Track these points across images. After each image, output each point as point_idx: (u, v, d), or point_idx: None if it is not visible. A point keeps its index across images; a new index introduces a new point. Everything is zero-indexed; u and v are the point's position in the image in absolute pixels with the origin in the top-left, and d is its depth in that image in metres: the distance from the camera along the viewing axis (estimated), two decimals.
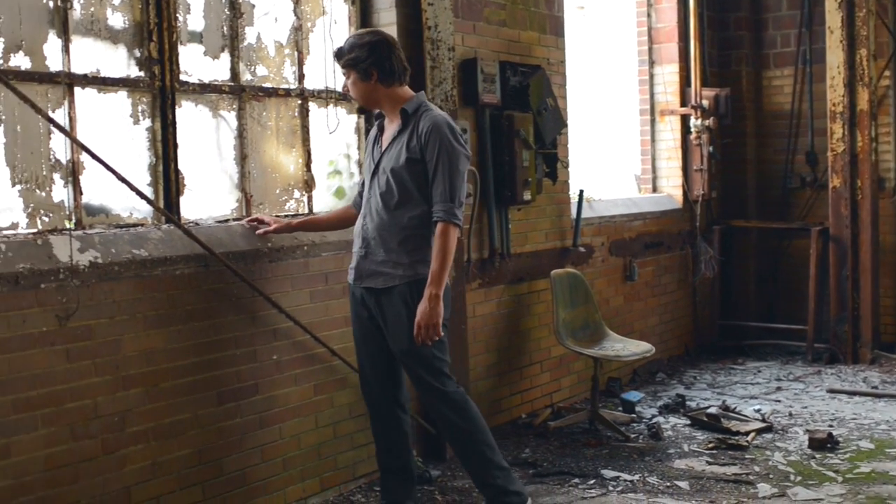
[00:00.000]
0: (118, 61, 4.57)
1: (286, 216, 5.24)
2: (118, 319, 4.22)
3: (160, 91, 4.68)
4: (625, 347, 6.60)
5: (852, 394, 7.36)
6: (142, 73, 4.64)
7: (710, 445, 6.06)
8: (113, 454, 4.21)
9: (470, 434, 4.58)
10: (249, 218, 4.89)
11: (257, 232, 4.80)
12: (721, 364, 8.56)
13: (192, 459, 4.53)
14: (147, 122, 4.66)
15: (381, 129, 4.65)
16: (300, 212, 5.41)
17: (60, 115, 4.29)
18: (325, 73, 5.51)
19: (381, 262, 4.52)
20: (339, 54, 4.54)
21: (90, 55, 4.45)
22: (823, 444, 5.96)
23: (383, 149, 4.57)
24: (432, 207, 4.43)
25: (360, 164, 5.71)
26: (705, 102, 8.61)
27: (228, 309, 4.71)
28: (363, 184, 4.73)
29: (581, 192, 7.21)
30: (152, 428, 4.36)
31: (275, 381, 4.93)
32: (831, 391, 7.46)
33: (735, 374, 8.16)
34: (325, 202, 5.60)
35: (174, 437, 4.45)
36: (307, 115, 5.42)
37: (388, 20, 5.64)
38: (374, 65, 4.46)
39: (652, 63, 8.82)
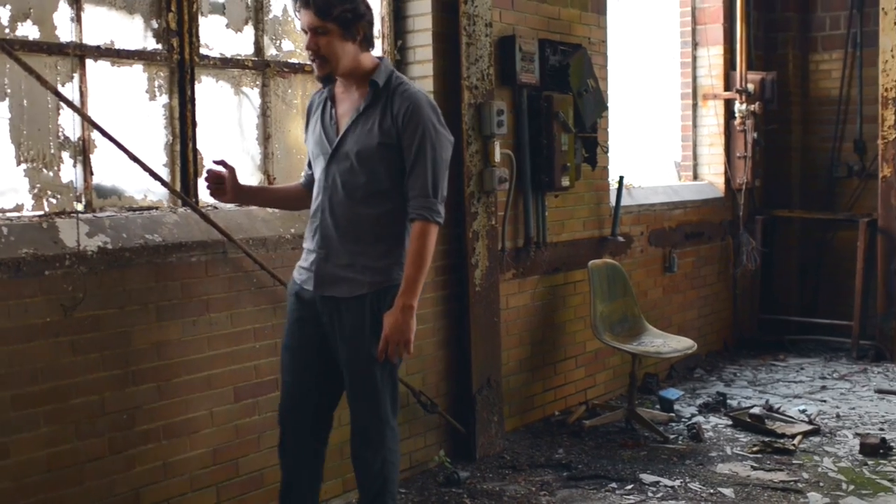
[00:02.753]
0: (134, 32, 4.29)
1: None
2: (128, 310, 3.94)
3: (178, 65, 4.38)
4: (665, 343, 6.27)
5: None
6: (159, 46, 4.35)
7: (755, 449, 5.73)
8: (121, 454, 3.95)
9: (393, 480, 3.82)
10: (216, 160, 3.93)
11: (208, 189, 3.90)
12: (762, 360, 8.20)
13: (205, 459, 4.26)
14: (164, 99, 4.38)
15: (332, 100, 3.79)
16: None
17: (70, 90, 4.01)
18: None
19: (346, 265, 3.70)
20: (323, 4, 3.57)
21: (103, 25, 4.16)
22: (876, 449, 5.62)
23: (343, 126, 3.71)
24: (408, 202, 3.67)
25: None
26: (750, 86, 8.24)
27: (247, 299, 4.42)
28: (309, 163, 3.95)
29: (621, 178, 6.87)
30: (163, 426, 4.10)
31: None
32: (879, 391, 7.10)
33: (777, 372, 7.81)
34: None
35: (187, 435, 4.18)
36: None
37: None
38: (367, 22, 3.70)
39: (695, 45, 8.44)
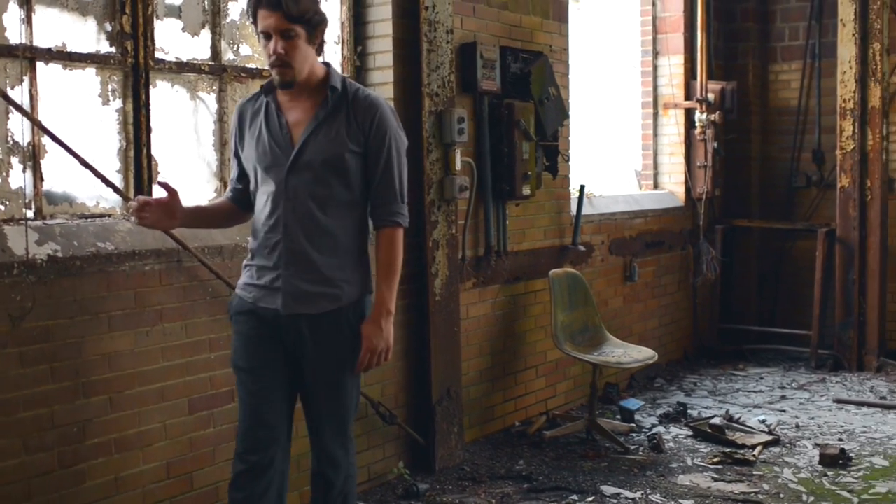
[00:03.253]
0: (87, 35, 4.19)
1: None
2: (79, 320, 3.84)
3: (133, 69, 4.28)
4: (626, 353, 6.24)
5: (860, 404, 7.03)
6: (113, 49, 4.25)
7: (715, 460, 5.71)
8: (70, 468, 3.84)
9: (353, 494, 3.70)
10: (160, 182, 3.63)
11: (134, 216, 3.52)
12: (721, 370, 8.21)
13: (159, 473, 4.16)
14: (118, 103, 4.28)
15: (277, 107, 3.51)
16: None
17: (20, 93, 3.91)
18: None
19: (319, 280, 3.47)
20: (289, 4, 3.33)
21: (55, 27, 4.07)
22: (835, 460, 5.62)
23: (298, 135, 3.47)
24: (374, 209, 3.57)
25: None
26: (711, 96, 8.27)
27: (202, 309, 4.33)
28: (240, 176, 3.67)
29: (582, 187, 6.84)
30: (115, 439, 3.99)
31: None
32: (838, 401, 7.12)
33: (737, 381, 7.81)
34: None
35: (139, 449, 4.08)
36: None
37: None
38: (326, 26, 3.52)
39: (656, 54, 8.44)
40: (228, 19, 4.74)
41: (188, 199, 4.53)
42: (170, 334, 4.19)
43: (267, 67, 3.52)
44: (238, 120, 3.62)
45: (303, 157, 3.45)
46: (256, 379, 3.54)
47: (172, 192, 3.53)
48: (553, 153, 6.49)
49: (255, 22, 3.41)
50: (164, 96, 4.44)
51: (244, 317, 3.57)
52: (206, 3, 4.63)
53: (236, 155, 3.65)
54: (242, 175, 3.65)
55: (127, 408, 4.02)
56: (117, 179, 4.23)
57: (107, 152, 4.23)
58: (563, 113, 6.50)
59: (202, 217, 3.82)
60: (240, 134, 3.61)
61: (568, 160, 6.77)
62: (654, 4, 8.38)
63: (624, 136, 8.60)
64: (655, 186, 8.57)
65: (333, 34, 5.24)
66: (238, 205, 3.73)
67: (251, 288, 3.56)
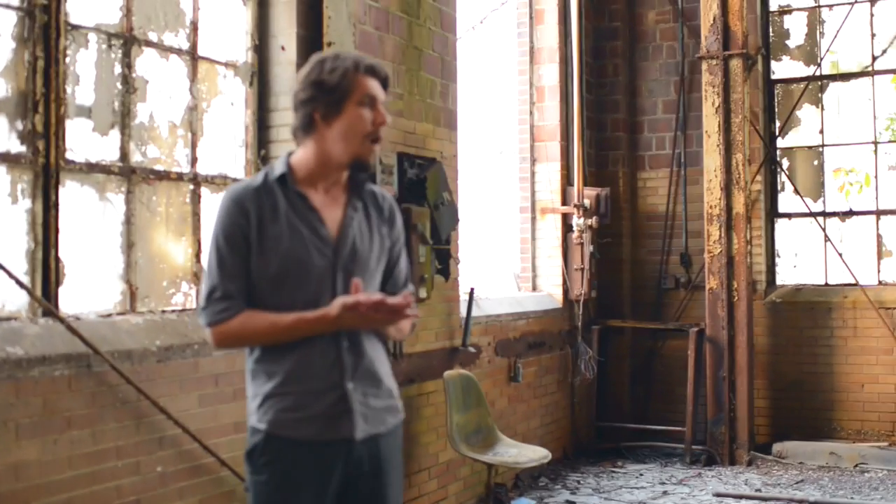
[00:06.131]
0: None
1: (173, 310, 4.77)
2: None
3: (43, 169, 4.19)
4: (520, 453, 6.31)
5: (739, 497, 7.28)
6: (24, 148, 4.15)
7: None
8: None
9: None
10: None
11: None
12: (602, 467, 8.36)
13: None
14: (27, 203, 4.16)
15: (301, 197, 2.95)
16: (187, 306, 4.95)
17: None
18: (224, 156, 5.12)
19: (382, 392, 3.00)
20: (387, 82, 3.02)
21: None
22: None
23: (333, 224, 2.95)
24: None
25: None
26: (587, 202, 8.59)
27: (111, 415, 4.19)
28: (240, 280, 2.89)
29: (472, 290, 6.97)
30: None
31: (159, 495, 4.40)
32: (718, 495, 7.35)
33: (618, 478, 7.97)
34: None
35: None
36: (199, 202, 5.00)
37: (287, 104, 5.19)
38: None
39: (534, 161, 8.75)
40: (137, 121, 4.70)
41: (94, 304, 4.46)
42: (78, 442, 4.03)
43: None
44: (242, 208, 2.90)
45: (348, 250, 2.96)
46: None
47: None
48: (445, 256, 6.61)
49: (348, 85, 2.91)
50: (73, 197, 4.35)
51: (293, 463, 2.89)
52: (117, 104, 4.59)
53: (239, 259, 2.89)
54: (240, 280, 2.90)
55: None
56: (24, 281, 4.10)
57: (14, 253, 4.10)
58: (455, 217, 6.65)
59: None
60: (245, 224, 2.89)
61: (459, 263, 6.90)
62: (531, 113, 8.71)
63: (503, 240, 8.82)
64: (534, 289, 8.78)
65: (238, 138, 5.26)
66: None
67: (302, 420, 2.88)
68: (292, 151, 3.05)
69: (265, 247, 2.88)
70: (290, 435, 2.87)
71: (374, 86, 2.95)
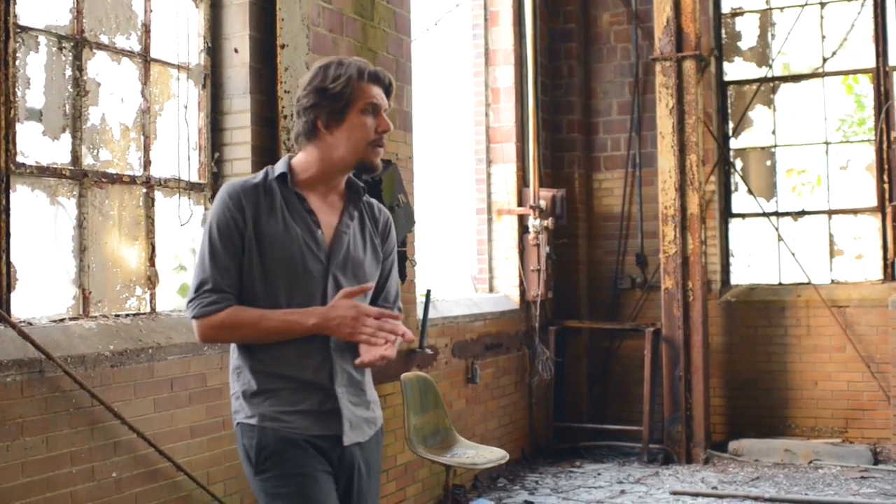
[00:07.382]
0: None
1: (127, 315, 4.73)
2: None
3: None
4: (478, 454, 6.32)
5: (695, 495, 7.34)
6: None
7: None
8: None
9: None
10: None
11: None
12: (560, 467, 8.40)
13: None
14: None
15: (299, 198, 2.95)
16: (141, 310, 4.91)
17: None
18: (177, 159, 5.08)
19: (366, 401, 3.02)
20: (392, 89, 3.04)
21: None
22: None
23: (328, 228, 2.98)
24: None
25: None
26: (543, 203, 8.63)
27: (65, 421, 4.15)
28: (230, 277, 2.89)
29: (428, 291, 6.97)
30: None
31: (114, 501, 4.36)
32: (674, 493, 7.41)
33: (576, 478, 8.01)
34: (169, 300, 5.11)
35: None
36: (153, 205, 4.97)
37: (241, 107, 5.30)
38: None
39: (489, 162, 8.78)
40: (89, 124, 4.66)
41: (46, 309, 4.41)
42: (31, 448, 3.98)
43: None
44: (237, 201, 2.90)
45: (342, 254, 2.98)
46: None
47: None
48: (402, 259, 6.60)
49: (351, 93, 2.92)
50: (24, 201, 4.30)
51: (293, 452, 2.89)
52: (68, 107, 4.55)
53: (231, 253, 2.89)
54: (232, 274, 2.90)
55: None
56: None
57: None
58: (411, 219, 6.65)
59: None
60: (240, 216, 2.89)
61: (415, 265, 6.90)
62: (486, 115, 8.75)
63: (460, 241, 8.84)
64: (490, 290, 8.80)
65: (191, 141, 5.23)
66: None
67: (291, 416, 2.90)
68: (293, 153, 3.06)
69: (259, 243, 2.89)
70: (283, 427, 2.88)
71: (377, 93, 2.96)
